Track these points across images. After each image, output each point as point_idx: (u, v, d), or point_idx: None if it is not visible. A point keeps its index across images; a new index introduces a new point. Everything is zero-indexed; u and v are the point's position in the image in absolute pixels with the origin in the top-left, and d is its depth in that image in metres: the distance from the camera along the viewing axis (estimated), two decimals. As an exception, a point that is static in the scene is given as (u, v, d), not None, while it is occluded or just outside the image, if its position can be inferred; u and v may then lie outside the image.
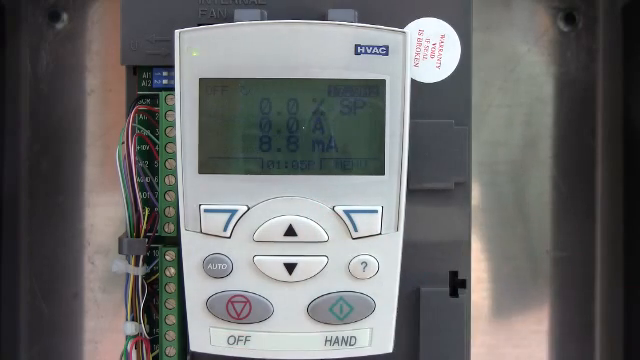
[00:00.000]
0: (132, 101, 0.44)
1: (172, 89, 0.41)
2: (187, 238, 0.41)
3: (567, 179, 0.55)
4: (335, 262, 0.41)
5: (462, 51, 0.43)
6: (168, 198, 0.43)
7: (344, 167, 0.40)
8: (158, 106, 0.43)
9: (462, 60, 0.43)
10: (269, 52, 0.40)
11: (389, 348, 0.42)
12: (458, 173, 0.43)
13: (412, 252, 0.43)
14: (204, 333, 0.41)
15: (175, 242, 0.43)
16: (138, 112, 0.44)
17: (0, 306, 0.53)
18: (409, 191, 0.41)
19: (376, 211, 0.40)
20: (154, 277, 0.44)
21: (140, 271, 0.43)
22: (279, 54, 0.40)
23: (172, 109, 0.43)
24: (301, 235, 0.40)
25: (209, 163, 0.40)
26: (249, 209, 0.40)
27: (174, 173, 0.43)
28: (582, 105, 0.55)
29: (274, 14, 0.42)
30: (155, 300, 0.44)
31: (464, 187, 0.43)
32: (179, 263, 0.42)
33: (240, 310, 0.41)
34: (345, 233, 0.40)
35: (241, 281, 0.41)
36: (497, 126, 0.55)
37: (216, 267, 0.41)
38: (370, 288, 0.41)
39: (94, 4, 0.54)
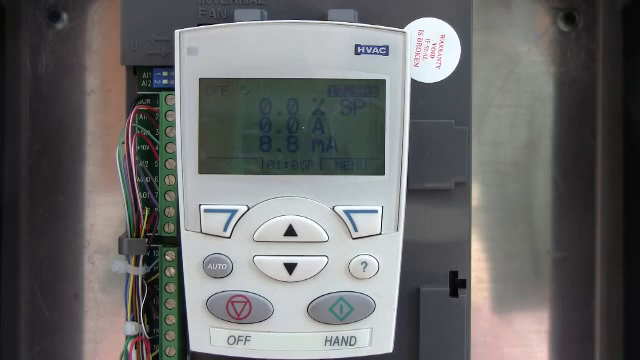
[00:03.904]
0: (132, 101, 0.44)
1: (172, 89, 0.41)
2: (187, 238, 0.41)
3: (567, 179, 0.55)
4: (335, 262, 0.41)
5: (462, 51, 0.43)
6: (168, 198, 0.43)
7: (344, 167, 0.40)
8: (158, 106, 0.43)
9: (462, 60, 0.43)
10: (269, 52, 0.40)
11: (389, 348, 0.42)
12: (458, 173, 0.43)
13: (412, 252, 0.43)
14: (204, 333, 0.41)
15: (175, 242, 0.43)
16: (138, 112, 0.44)
17: (0, 306, 0.53)
18: (409, 191, 0.41)
19: (376, 211, 0.40)
20: (154, 277, 0.44)
21: (140, 271, 0.43)
22: (279, 54, 0.40)
23: (172, 109, 0.43)
24: (301, 235, 0.40)
25: (209, 163, 0.40)
26: (249, 209, 0.40)
27: (174, 173, 0.43)
28: (582, 105, 0.55)
29: (274, 14, 0.42)
30: (155, 300, 0.44)
31: (464, 187, 0.43)
32: (179, 263, 0.42)
33: (240, 310, 0.41)
34: (345, 233, 0.40)
35: (241, 281, 0.41)
36: (497, 126, 0.55)
37: (216, 267, 0.41)
38: (370, 288, 0.41)
39: (94, 4, 0.54)
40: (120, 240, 0.42)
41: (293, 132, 0.40)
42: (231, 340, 0.41)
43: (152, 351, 0.44)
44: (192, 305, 0.41)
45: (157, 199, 0.43)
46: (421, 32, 0.43)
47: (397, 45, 0.40)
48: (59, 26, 0.54)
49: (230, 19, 0.41)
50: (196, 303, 0.41)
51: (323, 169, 0.40)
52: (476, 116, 0.45)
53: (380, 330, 0.41)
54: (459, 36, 0.43)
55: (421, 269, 0.44)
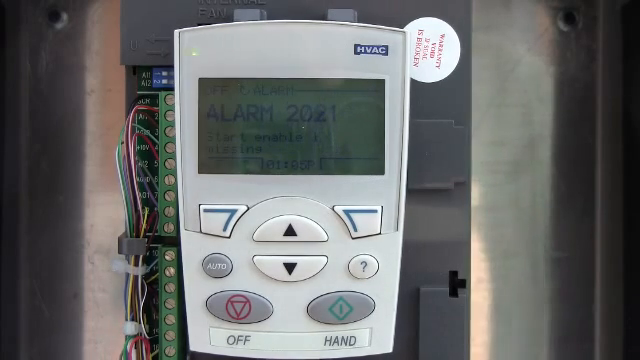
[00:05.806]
0: (132, 101, 0.44)
1: (172, 89, 0.41)
2: (187, 238, 0.41)
3: (567, 179, 0.55)
4: (335, 262, 0.41)
5: (462, 51, 0.43)
6: (168, 198, 0.43)
7: (344, 167, 0.40)
8: (158, 106, 0.43)
9: (462, 60, 0.43)
10: (269, 52, 0.40)
11: (389, 348, 0.42)
12: (458, 173, 0.43)
13: (412, 252, 0.43)
14: (204, 333, 0.41)
15: (175, 242, 0.43)
16: (138, 112, 0.44)
17: (0, 306, 0.53)
18: (409, 191, 0.41)
19: (376, 211, 0.40)
20: (154, 277, 0.44)
21: (140, 271, 0.43)
22: (279, 54, 0.40)
23: (172, 109, 0.43)
24: (301, 235, 0.40)
25: (209, 163, 0.40)
26: (249, 209, 0.40)
27: (174, 173, 0.43)
28: (582, 105, 0.55)
29: (274, 14, 0.42)
30: (155, 300, 0.44)
31: (464, 187, 0.43)
32: (179, 263, 0.42)
33: (240, 310, 0.41)
34: (345, 233, 0.40)
35: (241, 281, 0.41)
36: (497, 126, 0.55)
37: (216, 267, 0.41)
38: (370, 288, 0.41)
39: (94, 4, 0.54)
40: (120, 240, 0.42)
41: (293, 132, 0.40)
42: (231, 340, 0.41)
43: (152, 351, 0.44)
44: (192, 305, 0.41)
45: (157, 199, 0.43)
46: (421, 32, 0.43)
47: (397, 45, 0.40)
48: (59, 26, 0.54)
49: (230, 19, 0.41)
50: (196, 303, 0.41)
51: (323, 169, 0.40)
52: (476, 116, 0.45)
53: (380, 330, 0.41)
54: (459, 36, 0.43)
55: (421, 269, 0.44)
